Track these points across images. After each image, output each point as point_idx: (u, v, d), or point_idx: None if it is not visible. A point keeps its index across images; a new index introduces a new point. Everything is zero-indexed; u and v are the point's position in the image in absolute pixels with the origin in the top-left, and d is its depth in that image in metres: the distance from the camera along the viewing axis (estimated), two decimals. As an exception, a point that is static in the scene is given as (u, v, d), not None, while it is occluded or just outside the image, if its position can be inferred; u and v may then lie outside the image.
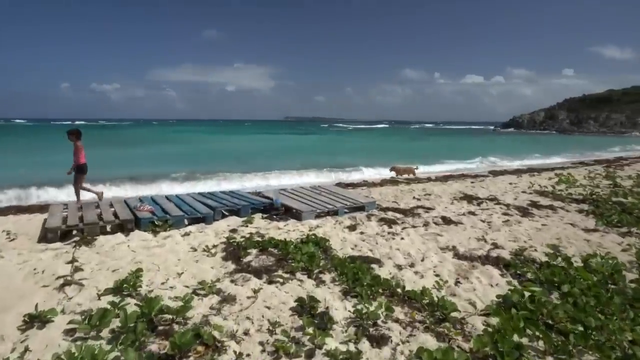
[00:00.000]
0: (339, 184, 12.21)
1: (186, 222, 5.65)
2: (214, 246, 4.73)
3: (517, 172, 14.40)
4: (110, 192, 11.60)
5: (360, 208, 6.48)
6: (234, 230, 5.38)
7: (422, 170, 16.71)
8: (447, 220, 6.02)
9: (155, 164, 20.00)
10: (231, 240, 4.83)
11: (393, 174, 13.71)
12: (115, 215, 5.47)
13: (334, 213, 6.23)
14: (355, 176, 14.39)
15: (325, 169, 17.68)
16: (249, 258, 4.37)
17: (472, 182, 9.26)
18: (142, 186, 13.05)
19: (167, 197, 6.62)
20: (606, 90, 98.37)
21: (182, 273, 3.96)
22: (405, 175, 13.66)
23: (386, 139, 55.39)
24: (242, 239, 4.89)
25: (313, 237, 4.91)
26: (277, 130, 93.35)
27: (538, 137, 61.52)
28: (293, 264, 4.14)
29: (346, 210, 6.38)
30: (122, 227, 5.17)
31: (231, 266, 4.18)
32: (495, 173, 14.15)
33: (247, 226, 5.62)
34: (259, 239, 5.04)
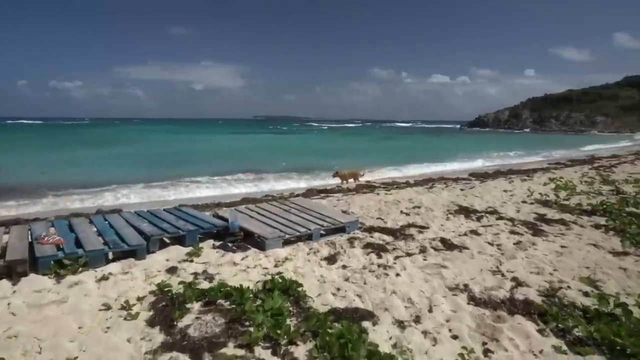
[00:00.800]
0: (310, 191, 10.94)
1: (110, 255, 4.21)
2: (139, 299, 3.33)
3: (499, 174, 13.62)
4: (47, 205, 9.90)
5: (340, 229, 5.21)
6: (172, 270, 3.97)
7: (400, 173, 15.75)
8: (448, 244, 4.84)
9: (108, 168, 18.06)
10: (165, 288, 3.44)
11: (337, 180, 12.57)
12: (3, 251, 3.94)
13: (307, 237, 4.92)
14: (329, 181, 13.18)
15: (294, 172, 16.38)
16: (186, 321, 3.00)
17: (462, 190, 8.18)
18: (89, 197, 11.32)
19: (90, 220, 5.10)
20: (566, 90, 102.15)
21: (75, 359, 2.55)
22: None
23: (358, 138, 54.59)
24: (181, 286, 3.50)
25: (280, 279, 3.58)
26: (247, 129, 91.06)
27: (505, 136, 62.60)
28: (251, 331, 2.82)
29: (323, 232, 5.10)
30: (10, 270, 3.67)
31: (158, 338, 2.80)
32: (477, 176, 13.30)
33: (192, 261, 4.23)
34: (206, 282, 3.68)
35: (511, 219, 5.97)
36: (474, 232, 5.36)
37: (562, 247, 4.85)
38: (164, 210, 5.69)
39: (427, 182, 12.28)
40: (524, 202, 6.96)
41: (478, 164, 20.02)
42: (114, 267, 3.96)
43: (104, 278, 3.72)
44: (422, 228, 5.50)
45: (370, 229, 5.41)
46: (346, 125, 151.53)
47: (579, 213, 6.28)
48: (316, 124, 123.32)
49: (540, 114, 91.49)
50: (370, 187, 11.44)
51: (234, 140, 45.29)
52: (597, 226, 5.62)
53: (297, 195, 10.01)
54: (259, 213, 5.46)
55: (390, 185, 11.90)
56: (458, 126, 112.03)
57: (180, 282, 3.57)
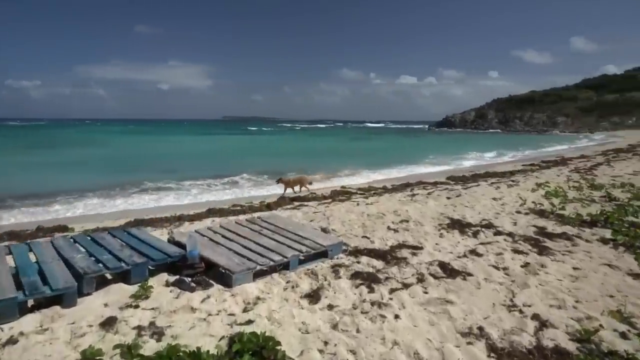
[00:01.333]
0: (283, 199, 10.08)
1: (30, 303, 3.24)
2: (54, 377, 2.41)
3: (478, 177, 13.23)
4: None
5: (322, 254, 4.41)
6: (109, 322, 3.05)
7: (375, 176, 15.13)
8: (448, 270, 4.15)
9: (62, 174, 16.52)
10: (96, 357, 2.54)
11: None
12: None
13: (283, 267, 4.10)
14: (275, 190, 12.39)
15: (265, 176, 15.48)
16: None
17: (449, 198, 7.58)
18: (32, 209, 10.02)
19: (9, 250, 4.08)
20: (529, 92, 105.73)
21: None
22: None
23: (330, 139, 54.01)
24: (117, 352, 2.61)
25: (252, 337, 2.74)
26: (216, 130, 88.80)
27: (474, 136, 63.78)
28: None
29: (302, 258, 4.28)
30: None
31: None
32: (456, 179, 12.85)
33: (137, 306, 3.32)
34: (153, 341, 2.80)
35: (510, 234, 5.37)
36: (474, 252, 4.69)
37: (574, 269, 4.26)
38: (109, 233, 4.71)
39: (406, 187, 11.71)
40: (518, 212, 6.40)
41: (453, 165, 19.77)
42: (28, 323, 2.99)
43: (11, 342, 2.75)
44: (414, 249, 4.78)
45: (357, 252, 4.64)
46: (317, 125, 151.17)
47: (580, 224, 5.77)
48: (287, 125, 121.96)
49: (505, 115, 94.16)
50: (346, 194, 10.73)
51: (202, 142, 43.72)
52: (603, 240, 5.09)
53: (269, 205, 9.16)
54: (224, 236, 4.58)
55: (367, 191, 11.24)
56: (426, 126, 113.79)
57: (117, 346, 2.67)
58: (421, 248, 4.80)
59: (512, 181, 9.42)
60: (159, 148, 34.58)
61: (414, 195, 8.59)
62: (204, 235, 4.62)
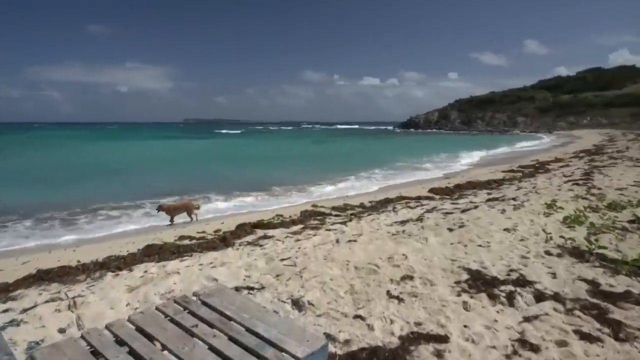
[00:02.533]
0: (240, 226, 8.19)
1: None
2: None
3: (464, 190, 11.89)
4: None
5: (295, 372, 2.64)
6: None
7: (349, 187, 13.33)
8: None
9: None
10: None
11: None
12: None
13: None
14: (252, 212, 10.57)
15: (213, 192, 13.40)
16: None
17: (451, 230, 6.01)
18: None
19: None
20: (489, 92, 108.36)
21: None
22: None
23: (296, 142, 52.03)
24: None
25: None
26: (175, 133, 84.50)
27: (440, 137, 63.84)
28: None
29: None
30: None
31: None
32: (440, 193, 11.45)
33: None
34: None
35: (557, 298, 3.82)
36: (525, 342, 3.08)
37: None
38: None
39: (386, 204, 10.17)
40: (548, 253, 4.90)
41: (429, 173, 18.51)
42: None
43: None
44: (437, 341, 3.10)
45: (350, 357, 2.91)
46: (282, 128, 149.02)
47: (636, 273, 4.32)
48: (255, 127, 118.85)
49: (467, 115, 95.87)
50: (319, 216, 9.02)
51: (156, 148, 40.65)
52: (687, 305, 3.63)
53: (225, 237, 7.28)
54: (126, 343, 2.71)
55: (343, 210, 9.59)
56: (392, 128, 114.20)
57: None
58: (446, 340, 3.13)
59: (514, 200, 8.01)
60: (105, 155, 31.49)
61: (403, 223, 6.97)
62: (88, 341, 2.72)
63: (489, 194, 10.23)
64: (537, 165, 17.88)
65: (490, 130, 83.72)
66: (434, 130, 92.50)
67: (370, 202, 10.58)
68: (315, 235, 6.89)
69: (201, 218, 10.29)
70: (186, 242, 7.37)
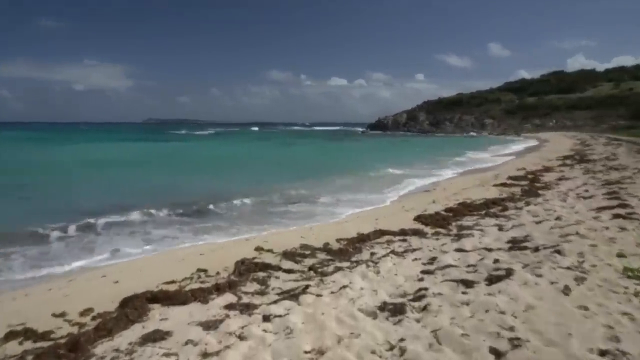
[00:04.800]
0: (119, 314, 4.98)
1: None
2: None
3: (456, 215, 9.13)
4: None
5: None
6: None
7: (308, 212, 9.87)
8: None
9: None
10: None
11: None
12: None
13: None
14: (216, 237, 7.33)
15: (149, 221, 9.94)
16: None
17: (498, 354, 3.04)
18: None
19: None
20: (457, 94, 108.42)
21: None
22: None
23: (261, 145, 48.41)
24: None
25: None
26: (131, 135, 78.27)
27: (411, 140, 61.91)
28: None
29: None
30: None
31: None
32: (430, 223, 8.64)
33: None
34: None
35: None
36: None
37: None
38: None
39: (362, 244, 7.25)
40: None
41: (406, 188, 15.74)
42: None
43: None
44: None
45: None
46: (250, 128, 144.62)
47: None
48: (212, 130, 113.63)
49: (436, 117, 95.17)
50: (262, 272, 5.96)
51: (101, 151, 36.01)
52: None
53: (79, 330, 4.10)
54: None
55: (299, 260, 6.57)
56: (359, 129, 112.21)
57: None
58: None
59: (559, 254, 5.23)
60: (41, 159, 26.85)
61: (394, 310, 4.02)
62: None
63: (499, 228, 7.49)
64: (529, 176, 15.51)
65: (459, 132, 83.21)
66: (402, 132, 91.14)
67: (339, 240, 7.60)
68: (241, 332, 3.85)
69: (94, 265, 6.95)
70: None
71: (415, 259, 5.97)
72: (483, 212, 9.42)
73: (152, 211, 10.42)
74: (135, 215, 10.12)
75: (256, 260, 6.37)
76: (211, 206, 11.25)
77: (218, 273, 5.92)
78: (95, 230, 9.12)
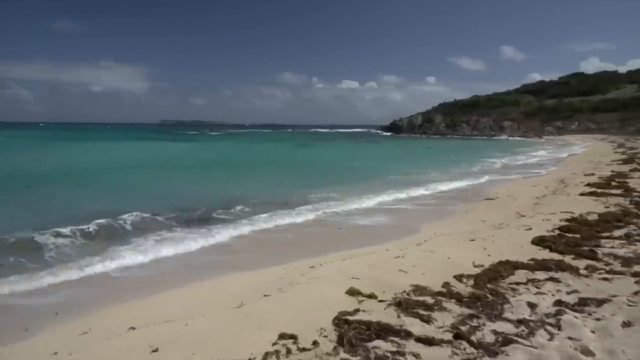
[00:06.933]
0: None
1: None
2: None
3: (498, 277, 6.95)
4: None
5: None
6: None
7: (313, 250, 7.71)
8: None
9: None
10: None
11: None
12: None
13: None
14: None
15: (158, 235, 7.83)
16: None
17: None
18: None
19: None
20: (473, 96, 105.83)
21: None
22: None
23: (276, 147, 46.48)
24: None
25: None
26: (147, 135, 76.61)
27: (429, 142, 59.42)
28: None
29: None
30: None
31: None
32: (464, 297, 6.48)
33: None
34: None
35: None
36: None
37: None
38: None
39: (500, 290, 5.12)
40: None
41: (446, 201, 13.53)
42: None
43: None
44: None
45: None
46: (263, 130, 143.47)
47: None
48: (228, 130, 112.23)
49: (453, 119, 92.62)
50: (385, 341, 3.82)
51: (117, 152, 34.26)
52: None
53: None
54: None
55: (425, 310, 4.45)
56: (374, 131, 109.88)
57: None
58: None
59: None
60: (62, 160, 25.04)
61: None
62: None
63: None
64: (613, 183, 13.21)
65: (477, 135, 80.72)
66: (417, 134, 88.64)
67: (458, 277, 5.45)
68: None
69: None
70: None
71: (603, 317, 3.83)
72: (615, 232, 7.23)
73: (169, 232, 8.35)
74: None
75: (363, 318, 4.23)
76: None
77: (315, 343, 3.77)
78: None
